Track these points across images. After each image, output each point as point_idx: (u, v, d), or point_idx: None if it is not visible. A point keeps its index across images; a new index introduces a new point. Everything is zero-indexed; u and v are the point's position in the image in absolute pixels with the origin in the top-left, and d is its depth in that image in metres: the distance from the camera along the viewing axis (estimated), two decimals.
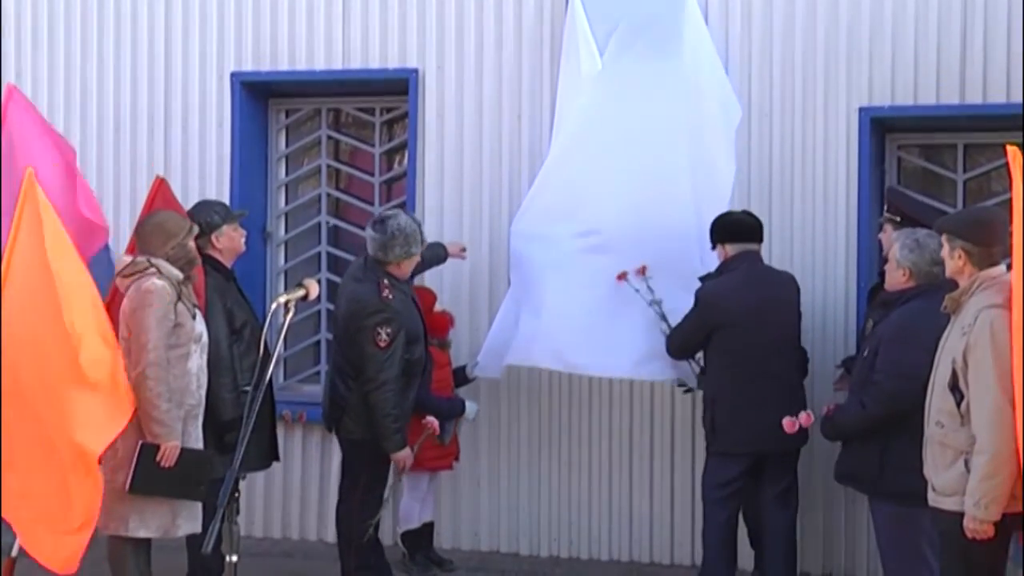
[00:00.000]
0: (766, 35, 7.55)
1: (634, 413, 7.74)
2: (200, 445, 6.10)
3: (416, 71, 8.03)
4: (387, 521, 7.29)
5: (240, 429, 4.53)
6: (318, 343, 8.51)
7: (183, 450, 5.90)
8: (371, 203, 8.43)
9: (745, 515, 6.96)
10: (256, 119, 8.48)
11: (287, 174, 8.66)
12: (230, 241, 6.70)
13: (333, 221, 8.57)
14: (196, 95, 8.42)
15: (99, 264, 6.60)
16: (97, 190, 7.81)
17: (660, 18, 7.31)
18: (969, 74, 7.27)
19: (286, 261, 8.63)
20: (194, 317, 6.08)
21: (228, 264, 6.72)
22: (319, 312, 8.42)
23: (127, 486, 5.84)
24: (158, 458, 5.84)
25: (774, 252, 7.28)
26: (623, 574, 7.63)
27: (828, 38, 7.46)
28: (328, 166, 8.59)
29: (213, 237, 6.62)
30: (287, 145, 8.66)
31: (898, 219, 6.55)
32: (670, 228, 6.99)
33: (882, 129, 7.58)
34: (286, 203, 8.65)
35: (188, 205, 6.87)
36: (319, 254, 8.56)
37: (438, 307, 7.54)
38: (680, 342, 6.83)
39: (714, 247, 6.88)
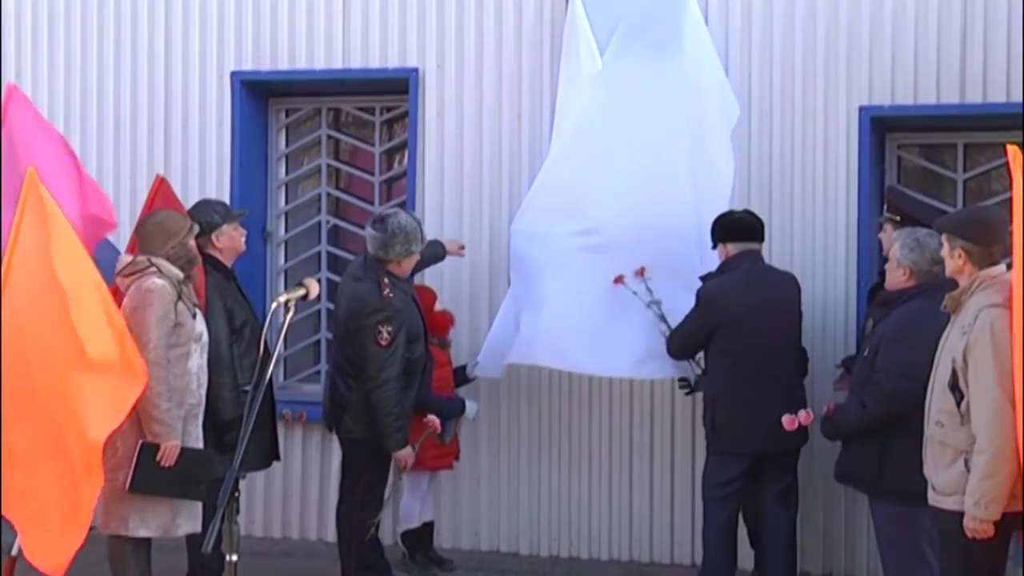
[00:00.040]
0: (766, 35, 7.55)
1: (634, 413, 7.74)
2: (200, 445, 6.10)
3: (416, 70, 8.03)
4: (387, 521, 7.29)
5: (240, 429, 4.54)
6: (318, 342, 8.51)
7: (183, 449, 5.90)
8: (371, 202, 8.43)
9: (745, 515, 6.96)
10: (256, 118, 8.48)
11: (287, 173, 8.66)
12: (230, 240, 6.70)
13: (333, 220, 8.57)
14: (196, 95, 8.42)
15: (103, 251, 6.58)
16: None
17: (660, 18, 7.30)
18: (969, 74, 7.27)
19: (286, 260, 8.63)
20: (194, 316, 6.09)
21: (228, 263, 6.72)
22: (319, 311, 8.42)
23: (127, 485, 5.84)
24: (158, 457, 5.84)
25: (774, 252, 7.28)
26: (623, 574, 7.63)
27: (828, 38, 7.46)
28: (328, 165, 8.60)
29: (213, 236, 6.62)
30: (287, 144, 8.66)
31: (898, 218, 6.55)
32: (670, 227, 6.99)
33: (882, 128, 7.58)
34: (286, 202, 8.65)
35: (188, 204, 6.87)
36: (319, 253, 8.56)
37: (438, 306, 7.54)
38: (681, 342, 6.83)
39: (715, 246, 6.88)
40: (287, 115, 8.65)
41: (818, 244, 7.47)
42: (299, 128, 8.68)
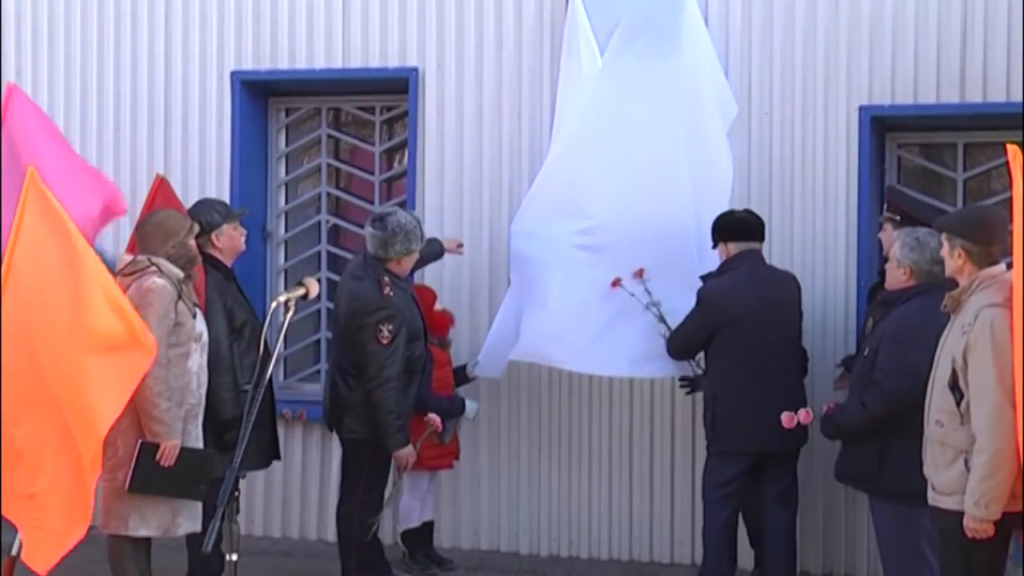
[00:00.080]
0: (766, 35, 7.55)
1: (634, 412, 7.74)
2: (200, 444, 6.10)
3: (416, 70, 8.03)
4: (387, 520, 7.28)
5: (240, 428, 4.53)
6: (318, 342, 8.51)
7: (183, 449, 5.91)
8: (371, 202, 8.43)
9: (745, 514, 6.96)
10: (256, 118, 8.48)
11: (287, 173, 8.66)
12: (230, 240, 6.70)
13: (333, 220, 8.57)
14: (196, 94, 8.42)
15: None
16: None
17: (660, 17, 7.30)
18: (969, 73, 7.27)
19: (286, 260, 8.63)
20: (194, 316, 6.09)
21: (228, 263, 6.72)
22: (319, 311, 8.42)
23: (127, 485, 5.84)
24: (157, 457, 5.85)
25: (774, 252, 7.28)
26: (623, 573, 7.64)
27: (828, 38, 7.46)
28: (328, 165, 8.60)
29: (213, 236, 6.62)
30: (287, 144, 8.66)
31: (898, 218, 6.55)
32: (669, 227, 6.99)
33: (882, 128, 7.58)
34: (286, 202, 8.65)
35: (188, 204, 6.87)
36: (319, 253, 8.56)
37: (438, 306, 7.54)
38: (681, 342, 6.83)
39: (715, 246, 6.88)
40: (287, 114, 8.65)
41: (818, 244, 7.47)
42: (299, 127, 8.68)
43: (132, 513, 5.91)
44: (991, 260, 5.10)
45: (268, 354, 5.40)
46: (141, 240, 6.19)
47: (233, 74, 8.33)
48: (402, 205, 7.92)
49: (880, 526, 6.11)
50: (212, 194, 7.96)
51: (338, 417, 6.79)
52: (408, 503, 7.44)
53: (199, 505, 6.02)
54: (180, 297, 6.00)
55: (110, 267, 5.86)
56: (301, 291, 4.65)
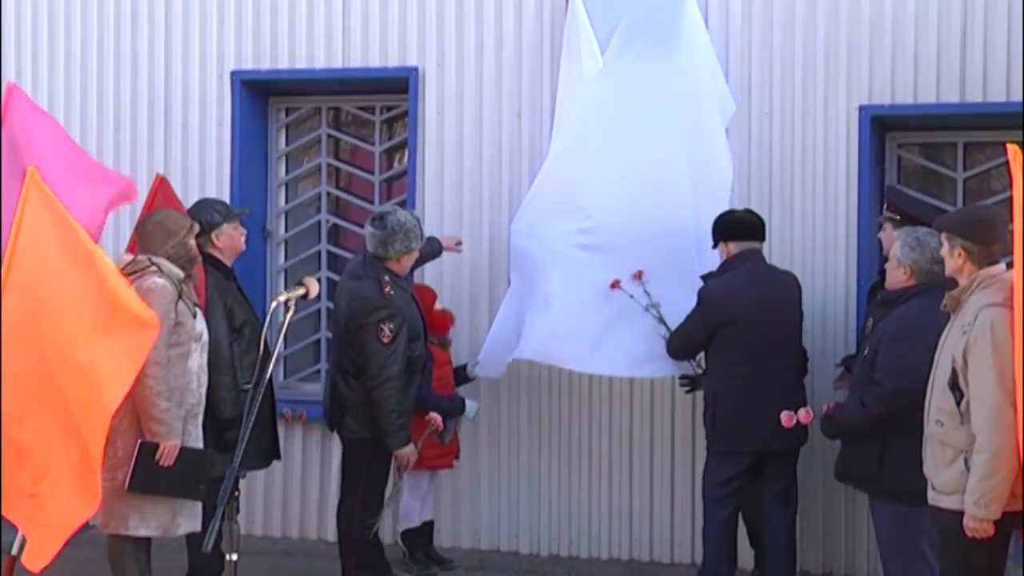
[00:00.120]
0: (766, 35, 7.55)
1: (634, 412, 7.74)
2: (200, 444, 6.10)
3: (416, 69, 8.03)
4: (387, 520, 7.28)
5: (240, 428, 4.53)
6: (318, 341, 8.51)
7: (182, 449, 5.91)
8: (371, 201, 8.43)
9: (745, 514, 6.96)
10: (256, 117, 8.48)
11: (287, 172, 8.66)
12: (230, 239, 6.71)
13: (333, 219, 8.57)
14: (196, 94, 8.42)
15: None
16: None
17: (660, 17, 7.30)
18: (969, 72, 7.27)
19: (286, 259, 8.63)
20: (195, 316, 6.09)
21: (228, 263, 6.72)
22: (319, 310, 8.42)
23: (126, 485, 5.84)
24: (157, 457, 5.85)
25: (774, 252, 7.28)
26: (623, 573, 7.64)
27: (828, 38, 7.46)
28: (328, 164, 8.60)
29: (213, 235, 6.62)
30: (287, 143, 8.66)
31: (898, 217, 6.55)
32: (669, 227, 6.99)
33: (882, 128, 7.58)
34: (286, 201, 8.65)
35: (188, 203, 6.88)
36: (319, 252, 8.56)
37: (438, 305, 7.54)
38: (682, 342, 6.83)
39: (716, 245, 6.88)
40: (287, 114, 8.65)
41: (818, 244, 7.47)
42: (299, 127, 8.68)
43: (132, 513, 5.91)
44: (991, 260, 5.10)
45: (268, 354, 5.40)
46: (141, 240, 6.19)
47: (233, 74, 8.33)
48: (402, 205, 7.92)
49: (880, 526, 6.11)
50: (212, 194, 7.96)
51: (339, 417, 6.79)
52: (408, 503, 7.44)
53: (199, 505, 6.02)
54: (180, 297, 6.00)
55: None
56: (301, 291, 4.65)
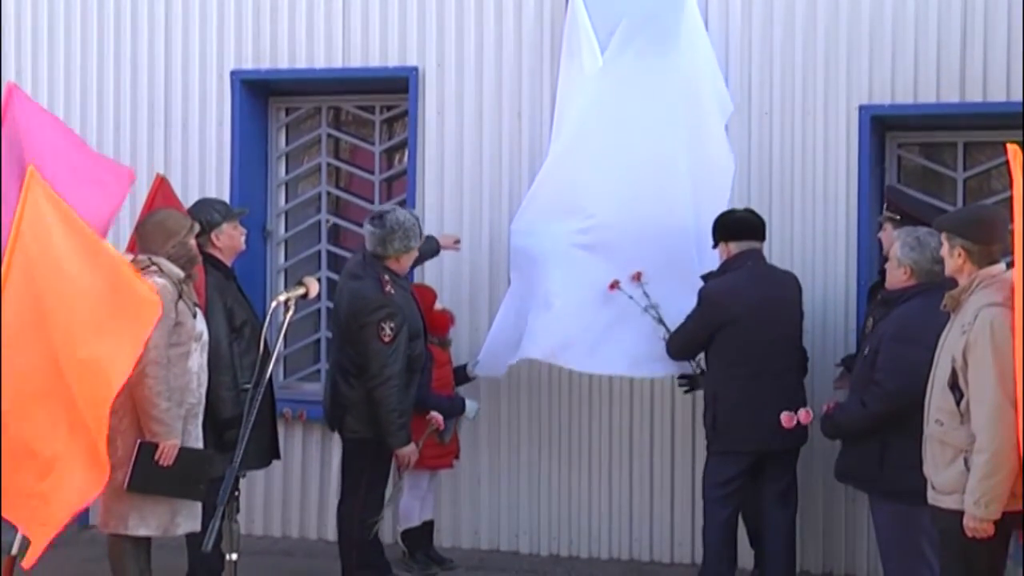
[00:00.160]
0: (766, 35, 7.55)
1: (634, 411, 7.74)
2: (200, 444, 6.10)
3: (416, 69, 8.04)
4: (387, 520, 7.28)
5: (240, 427, 4.54)
6: (318, 341, 8.51)
7: (182, 449, 5.91)
8: (371, 201, 8.43)
9: (745, 514, 6.96)
10: (256, 117, 8.48)
11: (287, 172, 8.66)
12: (230, 239, 6.71)
13: (333, 219, 8.57)
14: (196, 93, 8.42)
15: None
16: None
17: (660, 16, 7.30)
18: (969, 72, 7.27)
19: (286, 259, 8.63)
20: (195, 315, 6.09)
21: (228, 262, 6.72)
22: (319, 310, 8.42)
23: (126, 484, 5.84)
24: (156, 456, 5.85)
25: (774, 252, 7.28)
26: (623, 573, 7.64)
27: (828, 37, 7.46)
28: (328, 164, 8.60)
29: (213, 235, 6.62)
30: (287, 143, 8.66)
31: (898, 217, 6.55)
32: (669, 226, 6.99)
33: (882, 127, 7.58)
34: (286, 201, 8.65)
35: (188, 203, 6.88)
36: (319, 252, 8.56)
37: (438, 305, 7.54)
38: (682, 342, 6.82)
39: (716, 245, 6.87)
40: (287, 114, 8.65)
41: (818, 244, 7.47)
42: (299, 127, 8.68)
43: (132, 512, 5.91)
44: (991, 259, 5.10)
45: (268, 353, 5.39)
46: (141, 240, 6.19)
47: (233, 74, 8.33)
48: (402, 204, 7.92)
49: (880, 526, 6.11)
50: (212, 194, 7.96)
51: (339, 417, 6.79)
52: (408, 502, 7.44)
53: (199, 505, 6.03)
54: (180, 297, 6.00)
55: None
56: (301, 290, 4.66)
